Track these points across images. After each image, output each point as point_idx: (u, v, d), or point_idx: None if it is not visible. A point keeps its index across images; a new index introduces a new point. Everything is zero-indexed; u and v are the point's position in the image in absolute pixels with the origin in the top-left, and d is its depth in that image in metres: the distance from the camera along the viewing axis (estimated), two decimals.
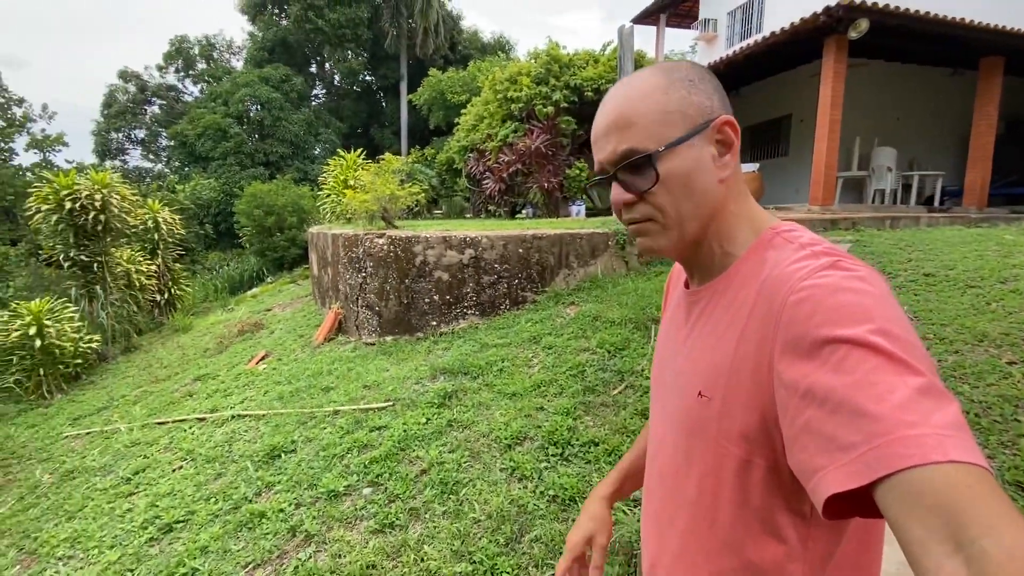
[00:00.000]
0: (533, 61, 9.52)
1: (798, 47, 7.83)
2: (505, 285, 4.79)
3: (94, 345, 6.92)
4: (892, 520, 0.39)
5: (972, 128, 8.34)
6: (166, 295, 9.46)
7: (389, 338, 4.82)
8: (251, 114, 21.05)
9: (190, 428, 3.96)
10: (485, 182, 9.56)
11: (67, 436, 4.63)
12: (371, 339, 4.87)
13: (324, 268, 6.29)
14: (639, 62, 9.13)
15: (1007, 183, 9.82)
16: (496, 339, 4.13)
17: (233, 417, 3.92)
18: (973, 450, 0.39)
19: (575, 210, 9.01)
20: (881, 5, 6.72)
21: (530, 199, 9.28)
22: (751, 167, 8.66)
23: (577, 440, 2.59)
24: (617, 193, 0.63)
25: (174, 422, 4.18)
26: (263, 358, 5.44)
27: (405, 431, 2.97)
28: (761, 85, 10.46)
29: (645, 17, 16.65)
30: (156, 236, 9.46)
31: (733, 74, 9.13)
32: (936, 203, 8.86)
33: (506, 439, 2.71)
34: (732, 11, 12.90)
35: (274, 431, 3.44)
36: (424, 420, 3.09)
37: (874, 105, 9.24)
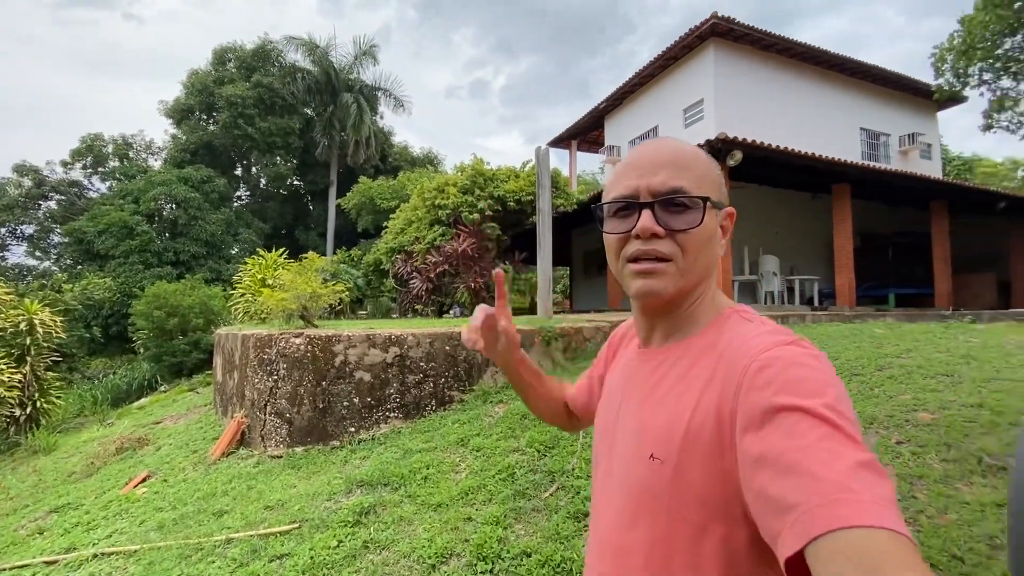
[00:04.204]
0: (459, 173, 10.19)
1: None
2: (431, 384, 4.62)
3: None
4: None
5: (834, 241, 9.83)
6: (28, 409, 8.08)
7: (300, 449, 4.36)
8: (164, 212, 20.21)
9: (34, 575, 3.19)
10: (412, 282, 9.60)
11: None
12: (278, 451, 4.38)
13: (230, 372, 5.77)
14: (555, 179, 10.06)
15: (870, 286, 11.48)
16: (421, 443, 3.88)
17: (95, 556, 3.22)
18: (904, 525, 0.40)
19: None
20: (750, 140, 8.07)
21: (457, 299, 9.38)
22: None
23: (508, 553, 2.38)
24: (649, 220, 0.62)
25: (12, 569, 3.36)
26: (143, 480, 4.67)
27: (312, 558, 2.58)
28: None
29: (559, 142, 18.78)
30: (28, 340, 8.30)
31: None
32: (816, 303, 10.09)
33: (430, 558, 2.43)
34: (632, 140, 14.86)
35: (147, 570, 2.85)
36: (335, 543, 2.72)
37: (756, 221, 10.70)
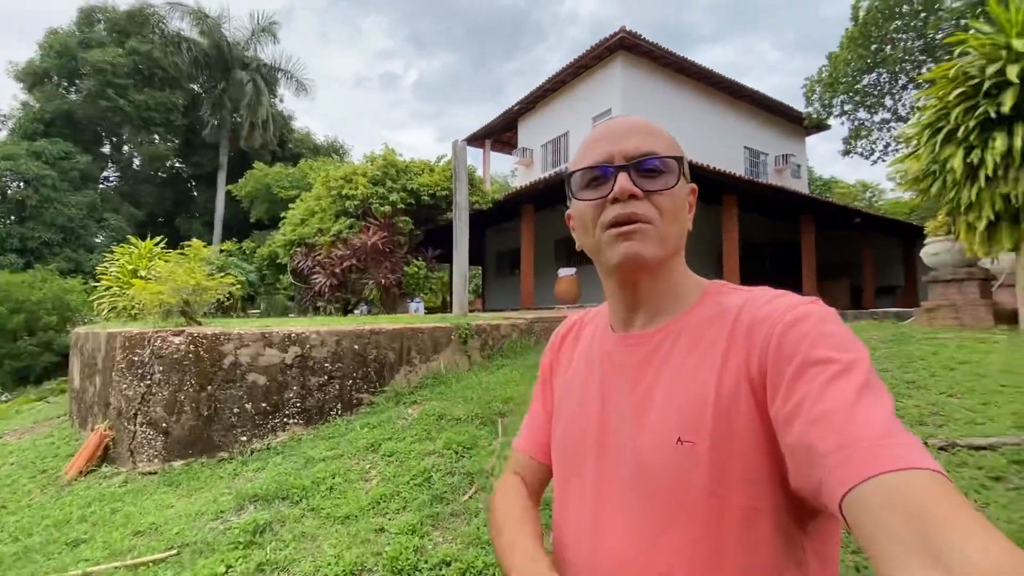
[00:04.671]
0: (370, 164, 9.69)
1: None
2: (337, 386, 4.27)
3: None
4: (863, 531, 0.38)
5: (723, 248, 10.75)
6: None
7: (179, 463, 3.82)
8: (8, 192, 17.08)
9: None
10: (315, 277, 8.94)
11: None
12: (152, 466, 3.80)
13: (90, 377, 4.93)
14: (470, 176, 9.93)
15: None
16: (324, 451, 3.55)
17: None
18: (936, 462, 0.40)
19: (413, 307, 8.86)
20: None
21: (365, 296, 8.90)
22: (569, 271, 9.72)
23: (426, 564, 2.21)
24: (626, 181, 0.60)
25: None
26: None
27: None
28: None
29: (473, 140, 18.67)
30: None
31: (549, 193, 10.47)
32: None
33: None
34: (545, 144, 15.19)
35: None
36: (223, 569, 2.36)
37: None
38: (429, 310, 8.67)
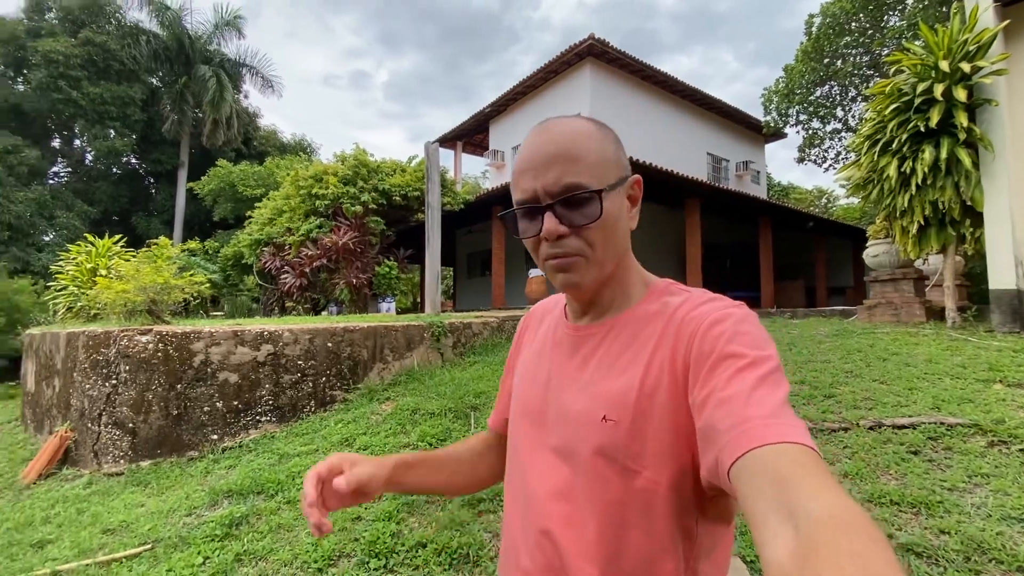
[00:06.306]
0: (341, 163, 9.63)
1: None
2: (310, 384, 4.30)
3: None
4: (741, 495, 0.44)
5: (686, 250, 11.15)
6: None
7: (147, 463, 3.79)
8: None
9: None
10: (283, 277, 8.83)
11: None
12: (118, 467, 3.76)
13: (47, 380, 4.80)
14: (442, 177, 9.99)
15: (712, 290, 13.20)
16: (299, 447, 3.59)
17: None
18: (811, 439, 0.46)
19: (385, 307, 8.86)
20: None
21: (336, 296, 8.84)
22: (539, 272, 9.88)
23: (403, 546, 2.31)
24: (552, 224, 0.62)
25: None
26: None
27: None
28: None
29: (444, 141, 18.68)
30: None
31: None
32: None
33: (316, 562, 2.27)
34: (516, 146, 15.36)
35: None
36: (200, 560, 2.40)
37: None
38: (400, 311, 8.70)
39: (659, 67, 13.59)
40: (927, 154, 4.58)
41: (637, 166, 9.12)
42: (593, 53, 12.52)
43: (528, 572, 0.67)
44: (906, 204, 4.85)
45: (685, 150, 14.72)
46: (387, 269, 8.82)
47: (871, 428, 2.69)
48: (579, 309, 0.73)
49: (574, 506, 0.63)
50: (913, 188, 4.72)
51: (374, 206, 8.94)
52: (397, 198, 9.24)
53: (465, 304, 15.81)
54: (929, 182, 4.67)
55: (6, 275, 12.24)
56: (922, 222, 4.83)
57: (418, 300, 11.60)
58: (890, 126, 4.90)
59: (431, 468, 0.80)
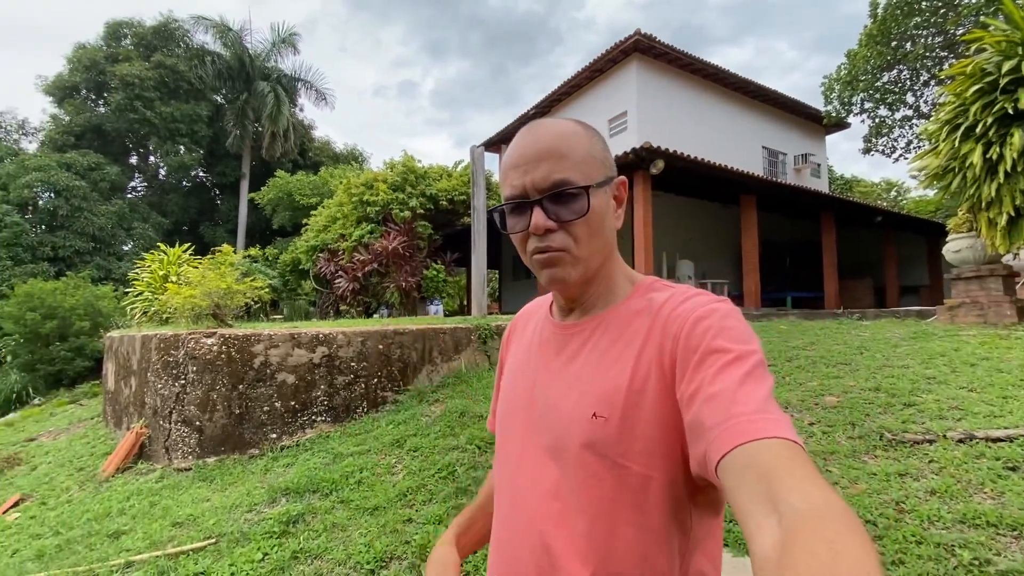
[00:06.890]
0: (390, 170, 9.88)
1: None
2: (363, 385, 4.40)
3: None
4: (729, 490, 0.45)
5: (742, 248, 10.67)
6: None
7: (212, 459, 3.98)
8: (40, 202, 17.74)
9: None
10: (337, 282, 9.15)
11: None
12: (186, 463, 3.97)
13: (125, 379, 5.15)
14: (488, 180, 10.06)
15: (770, 290, 12.61)
16: (352, 447, 3.67)
17: None
18: (795, 433, 0.47)
19: (433, 309, 9.00)
20: (671, 151, 8.58)
21: (386, 299, 9.07)
22: None
23: None
24: (540, 218, 0.63)
25: None
26: (16, 504, 4.04)
27: (233, 574, 2.34)
28: None
29: (489, 146, 18.82)
30: None
31: None
32: None
33: (368, 563, 2.29)
34: None
35: None
36: (260, 556, 2.49)
37: (672, 228, 11.37)
38: (448, 313, 8.80)
39: (709, 60, 13.12)
40: (1016, 138, 4.15)
41: (689, 161, 8.82)
42: (639, 49, 12.24)
43: (518, 572, 0.66)
44: (993, 194, 4.41)
45: (738, 144, 14.13)
46: (435, 272, 8.95)
47: (960, 441, 2.44)
48: (565, 306, 0.74)
49: (564, 504, 0.63)
50: (1001, 176, 4.29)
51: (422, 211, 9.11)
52: (444, 202, 9.38)
53: (511, 306, 15.84)
54: (1020, 169, 4.23)
55: (90, 283, 13.32)
56: (1012, 213, 4.38)
57: (465, 303, 11.73)
58: (972, 109, 4.47)
59: (482, 516, 0.85)
